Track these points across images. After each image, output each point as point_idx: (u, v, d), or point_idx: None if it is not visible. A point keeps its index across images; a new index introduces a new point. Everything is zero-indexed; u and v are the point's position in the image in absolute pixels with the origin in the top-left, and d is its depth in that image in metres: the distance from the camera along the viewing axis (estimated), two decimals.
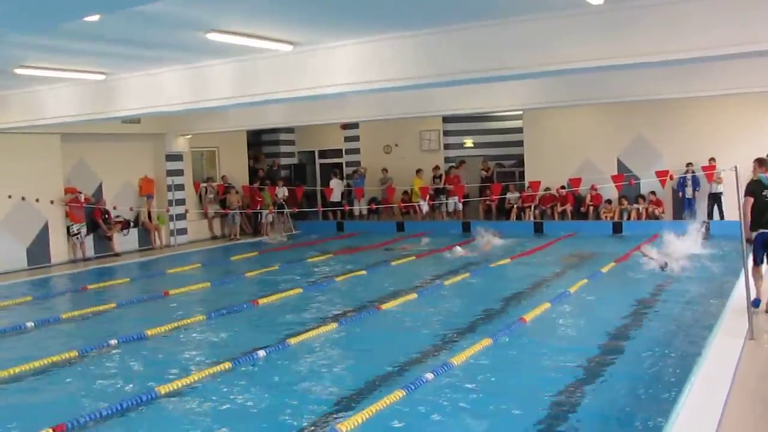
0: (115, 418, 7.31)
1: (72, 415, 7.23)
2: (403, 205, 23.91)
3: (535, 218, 22.58)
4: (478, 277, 14.72)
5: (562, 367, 8.38)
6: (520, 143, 23.81)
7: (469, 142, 25.53)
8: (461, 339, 9.81)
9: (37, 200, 18.44)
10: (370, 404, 7.16)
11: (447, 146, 25.37)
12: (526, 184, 22.96)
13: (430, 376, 7.96)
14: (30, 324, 11.68)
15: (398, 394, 7.39)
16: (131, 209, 21.30)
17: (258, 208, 24.04)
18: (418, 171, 24.09)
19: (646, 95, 16.25)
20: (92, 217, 20.13)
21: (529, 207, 22.82)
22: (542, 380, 7.95)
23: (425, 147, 25.47)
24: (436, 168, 24.41)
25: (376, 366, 8.68)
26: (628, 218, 21.32)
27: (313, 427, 6.82)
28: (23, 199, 18.18)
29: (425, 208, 23.74)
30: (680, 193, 20.93)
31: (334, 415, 7.06)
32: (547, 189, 22.41)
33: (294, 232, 24.00)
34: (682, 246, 15.26)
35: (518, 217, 22.91)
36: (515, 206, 23.02)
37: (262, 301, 12.75)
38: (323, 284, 14.48)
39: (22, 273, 17.60)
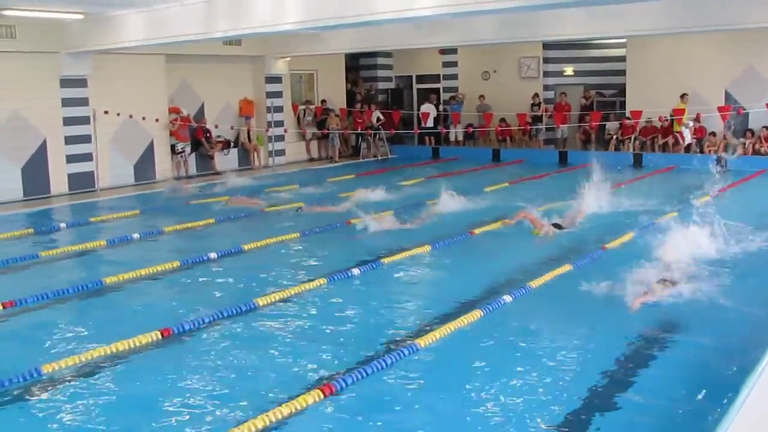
0: (217, 325, 7.79)
1: (176, 321, 7.74)
2: (500, 129, 23.83)
3: (634, 150, 22.15)
4: (569, 207, 14.61)
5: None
6: (622, 72, 23.29)
7: (569, 70, 25.06)
8: (544, 264, 9.91)
9: (144, 119, 19.17)
10: (450, 322, 7.43)
11: (546, 74, 25.01)
12: (627, 115, 22.48)
13: (508, 298, 8.17)
14: (136, 235, 12.35)
15: (476, 313, 7.65)
16: (231, 128, 21.85)
17: (360, 130, 24.31)
18: (683, 96, 21.36)
19: (759, 22, 15.57)
20: (195, 137, 20.80)
21: (629, 138, 22.37)
22: (619, 317, 7.82)
23: (524, 74, 25.19)
24: (535, 96, 24.12)
25: (461, 287, 8.96)
26: (733, 153, 20.66)
27: (396, 342, 7.13)
28: (130, 117, 18.92)
29: (688, 138, 21.67)
30: None
31: (418, 331, 7.35)
32: (649, 120, 21.90)
33: (390, 156, 24.23)
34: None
35: (617, 149, 22.51)
36: (614, 137, 22.60)
37: (355, 221, 13.07)
38: (416, 208, 14.65)
39: (129, 188, 18.53)
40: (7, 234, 13.19)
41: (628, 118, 22.24)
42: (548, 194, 14.97)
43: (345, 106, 25.31)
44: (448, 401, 5.91)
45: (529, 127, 23.92)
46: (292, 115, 24.04)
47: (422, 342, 7.00)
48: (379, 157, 24.01)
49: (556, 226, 11.90)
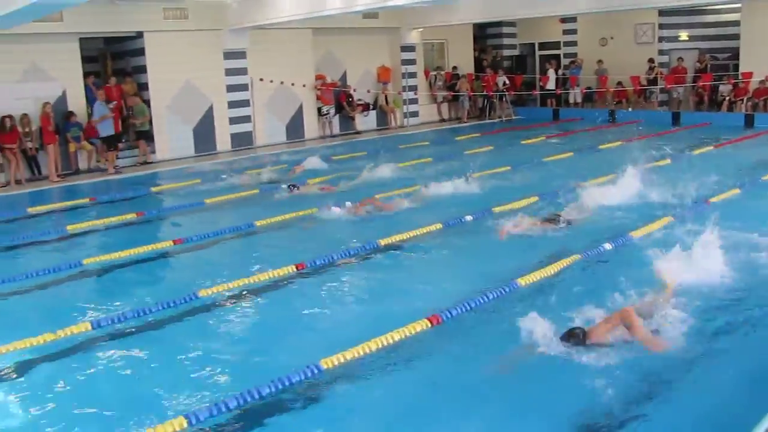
0: (345, 263, 8.24)
1: (310, 258, 8.19)
2: (614, 89, 23.11)
3: (746, 110, 20.97)
4: (677, 163, 14.12)
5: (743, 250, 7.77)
6: (736, 36, 21.97)
7: (684, 35, 23.85)
8: (645, 215, 9.69)
9: (293, 85, 19.79)
10: (549, 265, 7.50)
11: (662, 39, 23.87)
12: (740, 77, 21.26)
13: (608, 246, 8.10)
14: (283, 186, 12.88)
15: (574, 257, 7.65)
16: (368, 91, 22.17)
17: (486, 93, 24.14)
18: None
19: None
20: (338, 100, 21.30)
21: (741, 100, 21.19)
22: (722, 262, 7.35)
23: (640, 40, 24.16)
24: (651, 60, 23.18)
25: (565, 234, 8.90)
26: None
27: (499, 282, 7.23)
28: (282, 83, 19.58)
29: None
30: None
31: (520, 272, 7.43)
32: (762, 82, 20.64)
33: (513, 117, 23.97)
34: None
35: (729, 109, 21.38)
36: (727, 98, 21.46)
37: (473, 175, 13.13)
38: (531, 164, 14.57)
39: (282, 146, 19.22)
40: (180, 184, 14.14)
41: (738, 80, 21.05)
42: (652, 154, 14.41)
43: (473, 72, 25.14)
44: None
45: (640, 88, 23.06)
46: (425, 80, 24.12)
47: (522, 281, 7.12)
48: (504, 118, 23.78)
49: (551, 220, 9.39)
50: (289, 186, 12.68)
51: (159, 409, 5.01)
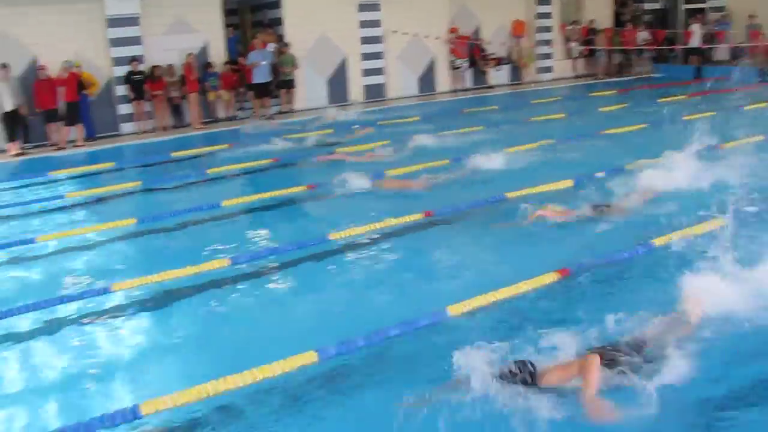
0: (469, 214, 8.18)
1: (439, 206, 8.19)
2: (766, 45, 21.50)
3: None
4: None
5: None
6: None
7: None
8: None
9: (426, 37, 19.66)
10: (685, 228, 7.12)
11: None
12: None
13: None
14: (411, 137, 12.86)
15: (719, 221, 7.19)
16: (502, 44, 21.71)
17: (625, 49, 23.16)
18: None
19: None
20: (472, 54, 21.00)
21: None
22: None
23: None
24: None
25: (688, 193, 8.42)
26: None
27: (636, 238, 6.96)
28: (415, 36, 19.49)
29: None
30: None
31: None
32: None
33: (652, 75, 22.89)
34: None
35: None
36: None
37: (606, 132, 12.70)
38: (668, 122, 13.87)
39: (414, 98, 19.25)
40: (314, 133, 14.42)
41: None
42: None
43: (611, 26, 24.10)
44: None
45: None
46: (560, 34, 23.34)
47: (659, 241, 6.82)
48: (642, 75, 22.75)
49: (596, 209, 7.91)
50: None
51: (290, 343, 5.19)
